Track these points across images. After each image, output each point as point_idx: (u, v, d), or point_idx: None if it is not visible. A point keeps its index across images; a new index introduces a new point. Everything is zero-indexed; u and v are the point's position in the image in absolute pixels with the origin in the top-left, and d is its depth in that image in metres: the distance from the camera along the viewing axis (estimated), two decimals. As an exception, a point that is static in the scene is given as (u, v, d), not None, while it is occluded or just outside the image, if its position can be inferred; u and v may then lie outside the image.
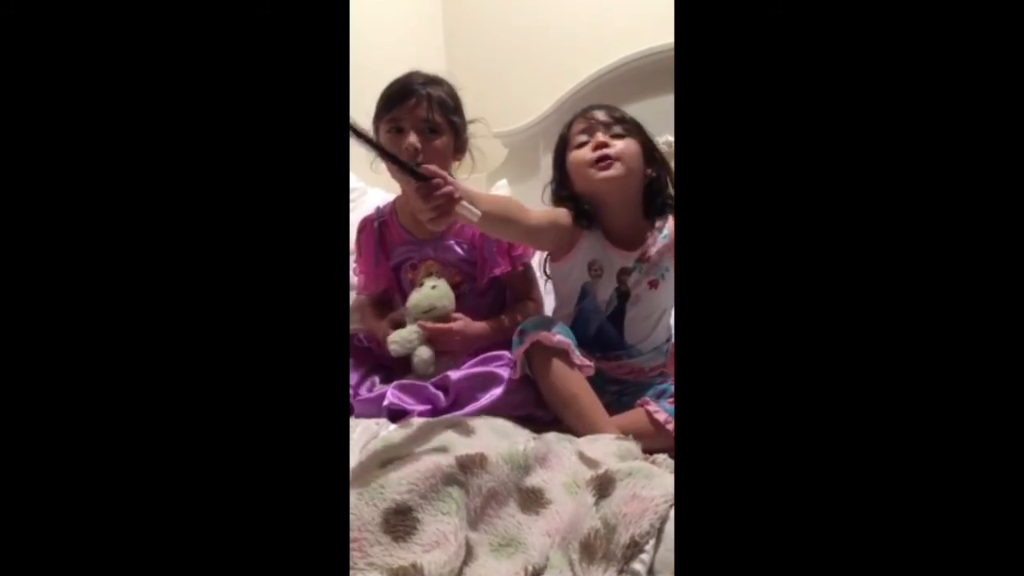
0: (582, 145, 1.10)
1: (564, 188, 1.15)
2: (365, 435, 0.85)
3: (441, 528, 0.61)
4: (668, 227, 1.14)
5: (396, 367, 1.17)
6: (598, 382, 1.05)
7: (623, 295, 1.13)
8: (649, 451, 0.86)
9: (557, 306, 1.22)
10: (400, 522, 0.61)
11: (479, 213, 0.82)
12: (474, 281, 1.22)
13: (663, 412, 1.00)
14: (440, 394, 1.03)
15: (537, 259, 1.26)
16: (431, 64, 1.27)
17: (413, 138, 1.14)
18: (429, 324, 1.11)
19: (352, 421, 0.92)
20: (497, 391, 1.02)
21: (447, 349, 1.11)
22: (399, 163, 0.81)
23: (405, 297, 1.19)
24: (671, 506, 0.62)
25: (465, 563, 0.60)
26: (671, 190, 1.15)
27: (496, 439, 0.84)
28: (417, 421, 0.88)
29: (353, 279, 1.34)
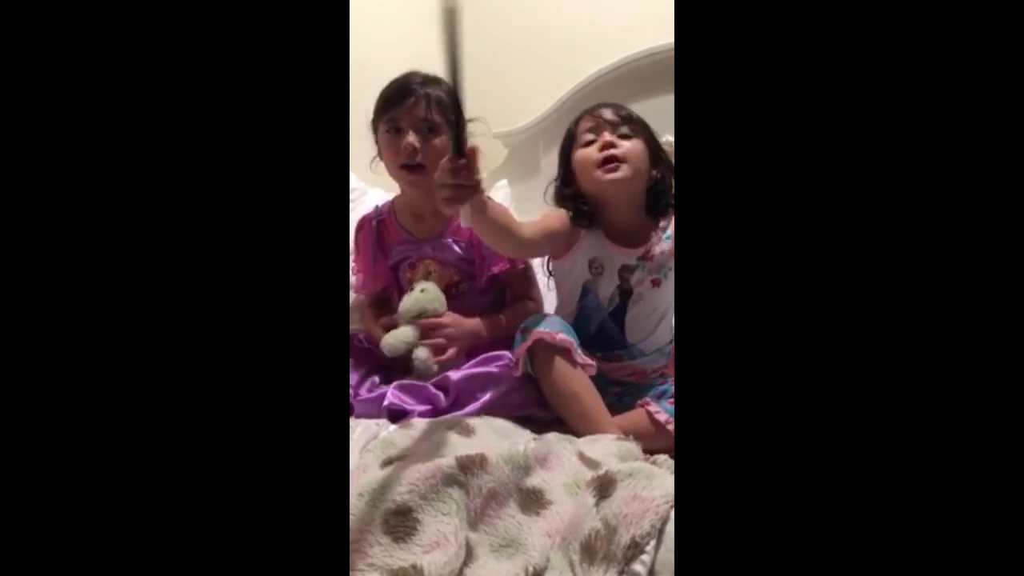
0: (589, 144, 1.10)
1: (568, 185, 1.15)
2: (365, 435, 0.85)
3: (441, 529, 0.61)
4: (672, 228, 1.14)
5: (396, 367, 1.16)
6: (599, 383, 1.04)
7: (625, 292, 1.12)
8: (650, 451, 0.86)
9: (559, 305, 1.22)
10: (400, 523, 0.61)
11: (470, 220, 0.85)
12: (473, 280, 1.22)
13: (664, 412, 1.00)
14: (440, 394, 1.02)
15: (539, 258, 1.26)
16: (431, 64, 1.26)
17: (412, 138, 1.14)
18: (422, 320, 1.10)
19: (352, 421, 0.92)
20: (497, 391, 1.02)
21: (441, 345, 1.10)
22: (460, 123, 0.76)
23: (403, 296, 1.19)
24: (672, 507, 0.62)
25: (465, 564, 0.60)
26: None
27: (496, 439, 0.84)
28: (417, 421, 0.88)
29: (352, 278, 1.34)
